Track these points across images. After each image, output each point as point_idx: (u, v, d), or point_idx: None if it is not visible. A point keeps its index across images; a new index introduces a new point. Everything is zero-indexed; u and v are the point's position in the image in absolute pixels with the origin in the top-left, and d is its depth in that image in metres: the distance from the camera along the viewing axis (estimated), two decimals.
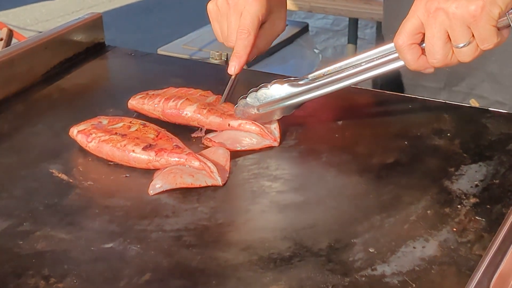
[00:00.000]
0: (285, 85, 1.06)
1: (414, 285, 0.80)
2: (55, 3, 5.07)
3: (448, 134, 1.09)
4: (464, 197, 0.95)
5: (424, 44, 0.96)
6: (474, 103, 1.25)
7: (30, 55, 1.29)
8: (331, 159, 1.05)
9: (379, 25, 3.05)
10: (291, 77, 1.11)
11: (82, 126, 1.09)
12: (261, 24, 1.14)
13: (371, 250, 0.86)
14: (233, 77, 1.14)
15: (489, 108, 1.17)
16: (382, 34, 1.48)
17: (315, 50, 2.84)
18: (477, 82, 1.28)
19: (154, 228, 0.92)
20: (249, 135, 1.08)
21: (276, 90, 1.06)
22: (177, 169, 1.00)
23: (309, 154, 1.07)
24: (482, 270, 0.72)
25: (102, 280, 0.83)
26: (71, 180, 1.02)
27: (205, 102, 1.12)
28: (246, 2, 1.11)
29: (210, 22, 1.18)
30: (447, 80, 1.29)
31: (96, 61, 1.39)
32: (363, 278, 0.81)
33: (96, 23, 1.41)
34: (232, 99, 1.13)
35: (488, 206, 0.93)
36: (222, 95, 1.14)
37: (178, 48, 2.42)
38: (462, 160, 1.03)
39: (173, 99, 1.12)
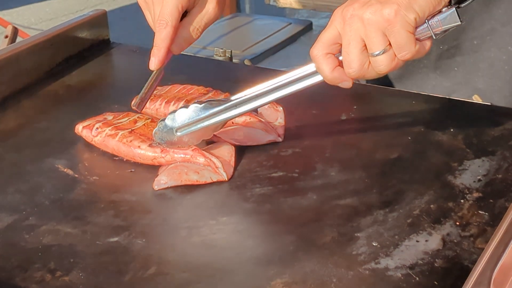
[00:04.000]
0: (204, 104, 1.01)
1: (417, 278, 0.80)
2: (59, 2, 5.08)
3: (451, 130, 1.10)
4: (467, 192, 0.95)
5: (341, 57, 0.92)
6: (477, 99, 1.25)
7: (35, 51, 1.30)
8: (334, 155, 1.06)
9: None
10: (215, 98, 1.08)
11: (87, 123, 1.09)
12: (189, 11, 1.08)
13: (374, 244, 0.86)
14: (153, 73, 1.08)
15: (492, 104, 1.18)
16: None
17: None
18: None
19: (159, 222, 0.92)
20: (254, 131, 1.09)
21: (195, 111, 1.01)
22: (182, 166, 1.01)
23: (313, 149, 1.08)
24: (485, 261, 0.72)
25: (107, 273, 0.84)
26: (76, 175, 1.02)
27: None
28: None
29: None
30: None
31: (101, 58, 1.39)
32: (367, 272, 0.82)
33: (101, 20, 1.42)
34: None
35: (491, 201, 0.93)
36: (219, 91, 1.13)
37: None
38: (465, 155, 1.03)
39: (173, 102, 1.12)
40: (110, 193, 0.99)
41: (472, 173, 0.99)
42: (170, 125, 1.02)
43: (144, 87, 1.07)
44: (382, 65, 0.90)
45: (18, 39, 2.32)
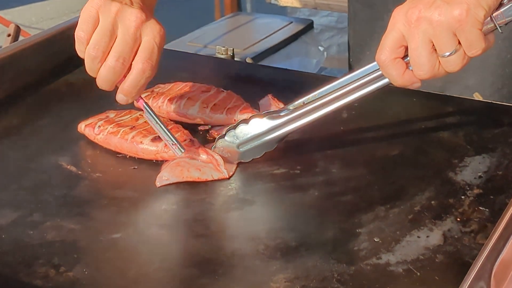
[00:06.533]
0: (264, 118, 1.00)
1: (418, 274, 0.81)
2: (60, 1, 5.08)
3: (452, 127, 1.10)
4: (468, 188, 0.96)
5: (408, 58, 0.91)
6: (477, 96, 1.26)
7: (38, 50, 1.30)
8: (336, 152, 1.06)
9: None
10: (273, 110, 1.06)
11: (89, 121, 1.10)
12: None
13: (376, 239, 0.87)
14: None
15: (493, 102, 1.18)
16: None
17: (320, 47, 2.84)
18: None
19: (162, 218, 0.93)
20: None
21: (256, 125, 1.01)
22: (184, 162, 1.01)
23: (314, 146, 1.08)
24: (485, 255, 0.73)
25: (111, 269, 0.84)
26: (80, 172, 1.03)
27: (207, 98, 1.13)
28: None
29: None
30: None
31: None
32: (368, 267, 0.82)
33: None
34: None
35: (492, 197, 0.94)
36: (221, 88, 1.14)
37: (183, 45, 2.43)
38: (466, 152, 1.04)
39: (175, 100, 1.13)
40: (113, 189, 0.99)
41: (472, 169, 1.00)
42: (231, 141, 1.02)
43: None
44: (453, 64, 0.89)
45: (20, 38, 2.32)
